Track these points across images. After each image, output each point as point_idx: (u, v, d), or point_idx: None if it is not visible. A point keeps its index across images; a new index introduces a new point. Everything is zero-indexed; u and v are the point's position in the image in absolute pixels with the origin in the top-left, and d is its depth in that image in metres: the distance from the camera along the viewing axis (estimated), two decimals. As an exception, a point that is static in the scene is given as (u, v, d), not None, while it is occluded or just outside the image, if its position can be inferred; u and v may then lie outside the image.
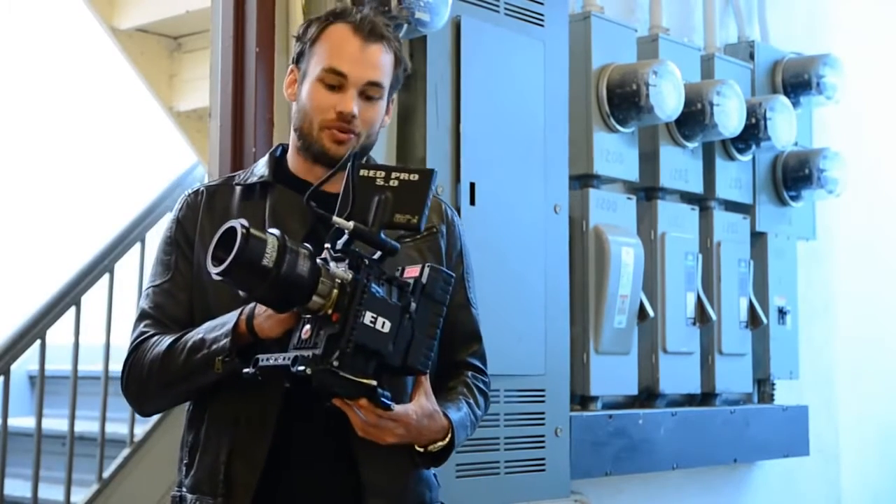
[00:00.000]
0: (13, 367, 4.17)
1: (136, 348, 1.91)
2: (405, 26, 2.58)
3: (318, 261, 1.67)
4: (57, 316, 4.20)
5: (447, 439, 1.86)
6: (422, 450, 1.85)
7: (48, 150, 5.42)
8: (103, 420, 4.13)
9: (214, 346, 1.79)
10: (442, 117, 2.78)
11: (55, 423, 4.37)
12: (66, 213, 5.38)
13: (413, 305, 1.69)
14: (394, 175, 1.72)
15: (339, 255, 1.69)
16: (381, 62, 1.95)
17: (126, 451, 4.19)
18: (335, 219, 1.68)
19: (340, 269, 1.67)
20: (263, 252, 1.62)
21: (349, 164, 1.73)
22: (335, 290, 1.65)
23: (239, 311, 1.80)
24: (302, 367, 1.62)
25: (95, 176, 5.46)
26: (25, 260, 5.25)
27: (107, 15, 4.24)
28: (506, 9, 2.96)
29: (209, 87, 2.83)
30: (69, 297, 4.22)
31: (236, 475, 1.85)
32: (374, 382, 1.66)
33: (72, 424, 4.12)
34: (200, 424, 1.93)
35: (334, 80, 1.92)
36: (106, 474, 4.13)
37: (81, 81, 5.44)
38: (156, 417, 4.21)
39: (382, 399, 1.68)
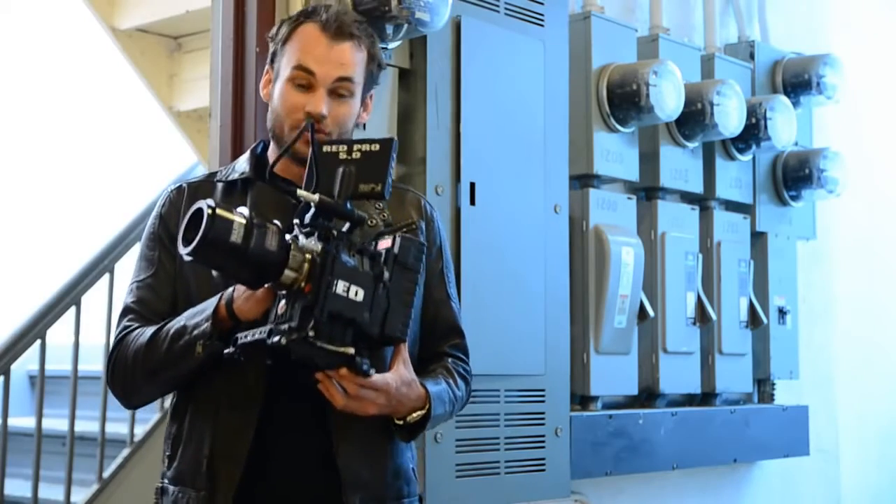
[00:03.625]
0: (13, 367, 4.16)
1: (120, 342, 1.92)
2: (405, 26, 2.58)
3: (287, 236, 1.68)
4: (57, 316, 4.20)
5: (425, 409, 1.88)
6: (400, 422, 1.88)
7: (48, 150, 5.42)
8: (103, 420, 4.13)
9: (196, 332, 1.80)
10: (442, 117, 2.78)
11: (55, 423, 4.37)
12: (66, 213, 5.38)
13: (386, 274, 1.71)
14: (356, 147, 1.75)
15: (308, 229, 1.71)
16: (350, 59, 1.95)
17: (126, 451, 4.19)
18: (300, 192, 1.70)
19: (310, 242, 1.68)
20: (230, 229, 1.63)
21: (311, 142, 1.75)
22: (306, 263, 1.67)
23: (219, 296, 1.81)
24: (277, 338, 1.64)
25: (95, 176, 5.46)
26: (25, 260, 5.25)
27: (107, 15, 4.24)
28: (506, 9, 2.96)
29: (209, 87, 2.83)
30: (69, 297, 4.22)
31: (219, 469, 1.86)
32: (352, 350, 1.68)
33: (72, 424, 4.11)
34: (183, 417, 1.94)
35: (303, 79, 1.93)
36: (106, 474, 4.13)
37: (81, 81, 5.44)
38: (156, 417, 4.21)
39: (363, 366, 1.70)
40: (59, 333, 4.26)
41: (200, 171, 4.39)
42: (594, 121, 3.28)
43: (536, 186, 2.99)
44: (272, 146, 2.03)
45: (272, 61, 2.00)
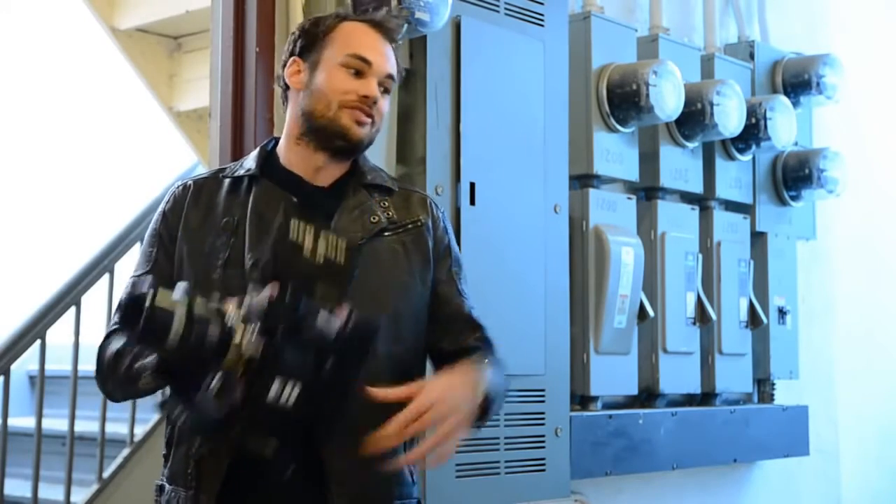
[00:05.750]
0: (13, 367, 4.17)
1: (105, 341, 1.94)
2: (405, 26, 2.58)
3: (231, 320, 1.63)
4: (57, 316, 4.20)
5: (483, 383, 1.85)
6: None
7: (48, 151, 5.42)
8: (103, 420, 4.13)
9: (145, 361, 1.79)
10: (442, 117, 2.78)
11: (55, 423, 4.37)
12: (66, 213, 5.39)
13: (331, 361, 1.65)
14: (320, 248, 1.69)
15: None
16: (393, 61, 2.02)
17: (126, 451, 4.19)
18: (252, 294, 1.65)
19: (251, 336, 1.62)
20: (170, 325, 1.60)
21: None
22: (243, 357, 1.63)
23: None
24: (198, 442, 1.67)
25: (95, 176, 5.46)
26: (25, 260, 5.25)
27: (107, 15, 4.24)
28: (506, 9, 2.96)
29: (209, 87, 2.83)
30: (69, 297, 4.22)
31: (204, 469, 1.87)
32: (274, 446, 1.65)
33: (72, 424, 4.12)
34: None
35: (359, 66, 1.97)
36: (106, 474, 4.13)
37: (81, 81, 5.44)
38: (156, 417, 4.21)
39: (284, 469, 1.69)
40: (59, 333, 4.26)
41: (200, 171, 4.41)
42: (594, 121, 3.28)
43: (536, 186, 2.99)
44: (284, 141, 2.04)
45: (301, 53, 2.01)
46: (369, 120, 1.96)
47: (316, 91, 1.97)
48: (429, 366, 2.07)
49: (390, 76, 2.00)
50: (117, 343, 1.89)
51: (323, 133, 1.96)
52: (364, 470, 1.88)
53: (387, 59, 1.99)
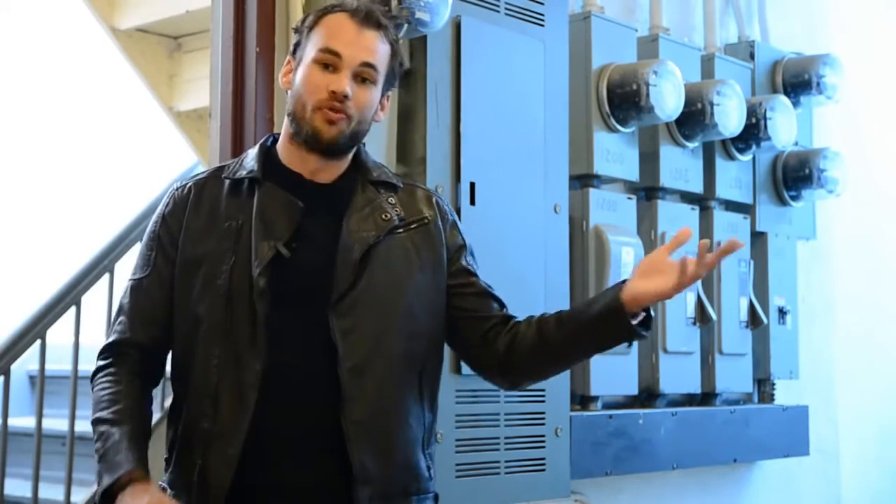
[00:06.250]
0: (13, 367, 4.16)
1: (104, 357, 1.98)
2: (405, 26, 2.58)
3: None
4: (57, 316, 4.19)
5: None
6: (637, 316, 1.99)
7: (48, 150, 5.42)
8: (103, 420, 4.12)
9: (100, 480, 1.87)
10: (442, 117, 2.78)
11: (55, 423, 4.36)
12: (66, 213, 5.38)
13: None
14: None
15: None
16: (376, 47, 1.96)
17: (126, 452, 4.18)
18: None
19: None
20: None
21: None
22: None
23: (126, 472, 1.87)
24: None
25: (95, 176, 5.46)
26: (25, 260, 5.25)
27: (107, 15, 4.24)
28: (506, 9, 2.96)
29: (209, 87, 2.83)
30: (69, 297, 4.21)
31: (210, 476, 1.87)
32: None
33: (72, 424, 4.11)
34: (178, 423, 1.98)
35: (329, 60, 1.93)
36: (106, 474, 4.12)
37: (81, 81, 5.44)
38: (155, 417, 4.20)
39: None
40: (59, 333, 4.26)
41: (199, 171, 4.41)
42: (594, 121, 3.28)
43: (536, 186, 2.99)
44: (282, 140, 2.03)
45: (294, 51, 2.01)
46: (342, 116, 1.92)
47: (295, 91, 1.97)
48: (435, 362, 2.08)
49: (367, 65, 1.94)
50: (96, 398, 1.97)
51: (302, 135, 1.95)
52: (385, 463, 1.90)
53: (362, 47, 1.94)
